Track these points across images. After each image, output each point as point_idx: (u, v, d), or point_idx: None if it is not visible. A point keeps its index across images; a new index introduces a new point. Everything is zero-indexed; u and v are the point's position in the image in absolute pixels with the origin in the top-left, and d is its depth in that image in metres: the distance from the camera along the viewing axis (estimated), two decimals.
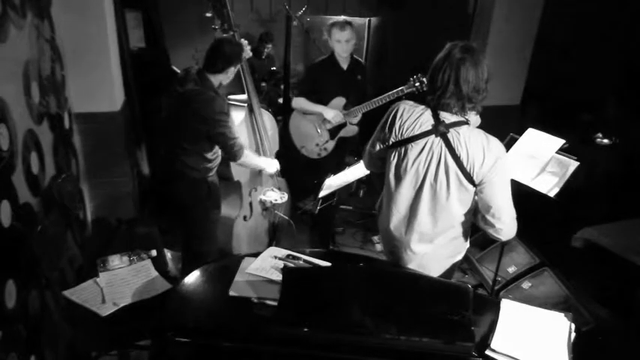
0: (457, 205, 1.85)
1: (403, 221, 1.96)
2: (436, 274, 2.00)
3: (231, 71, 2.55)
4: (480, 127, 1.93)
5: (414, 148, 1.82)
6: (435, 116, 1.79)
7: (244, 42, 2.70)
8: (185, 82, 2.49)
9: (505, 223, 1.83)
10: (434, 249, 1.96)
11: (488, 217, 1.83)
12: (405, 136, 1.83)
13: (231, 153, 2.56)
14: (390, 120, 1.90)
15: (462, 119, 1.79)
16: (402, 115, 1.86)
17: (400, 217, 1.96)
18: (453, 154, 1.75)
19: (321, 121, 3.45)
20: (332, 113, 3.40)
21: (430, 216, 1.88)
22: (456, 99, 1.74)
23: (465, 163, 1.74)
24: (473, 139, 1.74)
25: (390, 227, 2.00)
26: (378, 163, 2.08)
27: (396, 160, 1.89)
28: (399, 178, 1.90)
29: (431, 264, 1.99)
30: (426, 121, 1.80)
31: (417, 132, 1.80)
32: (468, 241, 2.09)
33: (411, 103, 1.90)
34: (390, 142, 1.90)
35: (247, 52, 2.69)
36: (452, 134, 1.75)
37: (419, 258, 1.98)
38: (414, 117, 1.83)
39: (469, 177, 1.76)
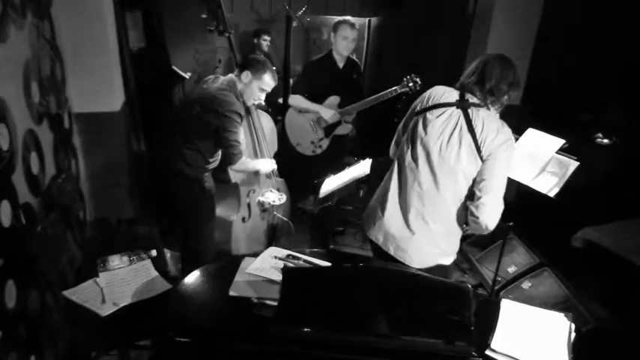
0: (461, 177, 1.93)
1: (406, 196, 2.04)
2: (419, 266, 2.05)
3: (250, 79, 2.58)
4: None
5: (434, 113, 1.98)
6: (462, 95, 1.97)
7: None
8: (214, 82, 2.61)
9: (490, 200, 1.88)
10: (424, 232, 2.01)
11: (477, 191, 1.91)
12: (430, 104, 2.01)
13: (229, 155, 2.58)
14: (423, 97, 2.08)
15: (483, 104, 1.94)
16: (434, 91, 2.06)
17: (403, 191, 2.05)
18: (469, 126, 1.90)
19: (316, 118, 3.51)
20: (329, 113, 3.46)
21: (433, 185, 1.97)
22: (479, 89, 1.93)
23: (477, 135, 1.88)
24: (490, 119, 1.90)
25: (387, 203, 2.08)
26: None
27: (413, 124, 2.05)
28: (413, 142, 2.03)
29: (417, 252, 2.03)
30: (452, 96, 1.99)
31: (442, 101, 1.98)
32: (456, 251, 2.13)
33: (445, 86, 2.07)
34: (416, 110, 2.07)
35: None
36: (472, 110, 1.92)
37: (407, 241, 2.03)
38: (442, 92, 2.03)
39: (479, 148, 1.88)
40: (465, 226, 2.05)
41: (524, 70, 3.93)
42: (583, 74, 4.11)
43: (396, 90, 3.24)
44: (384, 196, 2.13)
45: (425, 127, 1.99)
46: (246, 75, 2.57)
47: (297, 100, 3.51)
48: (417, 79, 3.22)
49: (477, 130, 1.89)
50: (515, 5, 3.69)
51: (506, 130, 1.91)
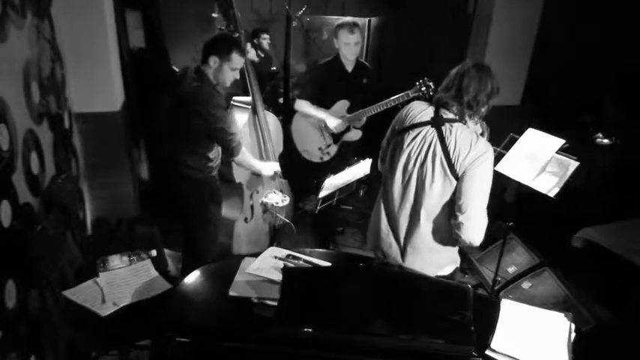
0: (438, 197, 1.91)
1: (394, 213, 2.04)
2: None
3: (219, 64, 2.45)
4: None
5: (410, 135, 1.95)
6: (436, 112, 1.94)
7: (249, 49, 2.69)
8: (183, 80, 2.49)
9: (469, 219, 1.85)
10: (415, 249, 2.01)
11: (456, 211, 1.87)
12: (407, 124, 1.98)
13: (229, 149, 2.55)
14: (401, 114, 2.06)
15: (459, 119, 1.90)
16: (411, 109, 2.03)
17: (390, 212, 2.05)
18: (442, 144, 1.87)
19: (324, 124, 3.37)
20: (335, 122, 3.32)
21: (415, 206, 1.97)
22: (457, 104, 1.88)
23: (451, 153, 1.85)
24: (463, 135, 1.86)
25: (381, 224, 2.09)
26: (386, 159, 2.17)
27: (393, 145, 2.04)
28: (393, 163, 2.02)
29: (413, 267, 2.03)
30: (428, 114, 1.95)
31: (417, 121, 1.95)
32: (454, 262, 2.12)
33: (422, 102, 2.05)
34: (396, 130, 2.05)
35: (252, 55, 2.66)
36: (446, 127, 1.89)
37: (402, 257, 2.04)
38: (419, 110, 1.99)
39: (452, 167, 1.85)
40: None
41: (525, 70, 3.94)
42: (583, 74, 4.11)
43: (408, 94, 3.10)
44: (377, 215, 2.13)
45: (403, 150, 1.96)
46: (214, 61, 2.45)
47: (303, 105, 3.33)
48: (430, 83, 3.06)
49: (450, 148, 1.85)
50: (515, 5, 3.69)
51: (480, 144, 1.85)
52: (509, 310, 1.64)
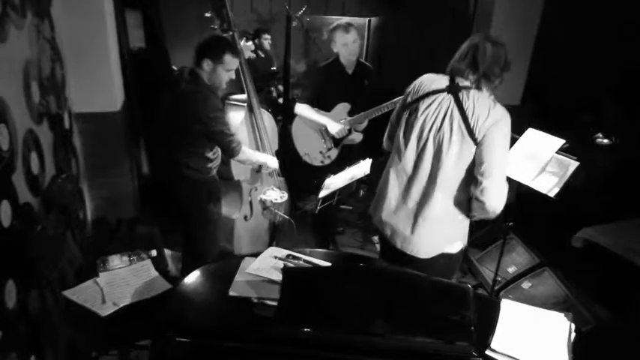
0: (456, 162, 1.91)
1: (405, 186, 2.04)
2: (426, 255, 2.05)
3: (212, 66, 2.42)
4: None
5: (425, 102, 1.97)
6: (452, 80, 1.96)
7: (243, 43, 2.69)
8: (180, 82, 2.48)
9: (493, 183, 1.85)
10: (425, 222, 2.00)
11: (479, 176, 1.88)
12: (420, 93, 1.99)
13: (229, 150, 2.54)
14: (414, 86, 2.07)
15: (474, 87, 1.93)
16: (423, 80, 2.05)
17: (403, 182, 2.05)
18: (460, 109, 1.89)
19: (324, 128, 3.35)
20: (337, 128, 3.30)
21: (431, 173, 1.96)
22: (473, 73, 1.90)
23: (469, 118, 1.86)
24: (481, 100, 1.88)
25: (390, 196, 2.08)
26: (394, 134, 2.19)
27: (407, 116, 2.04)
28: (407, 133, 2.02)
29: (421, 241, 2.03)
30: (443, 82, 1.97)
31: (431, 89, 1.97)
32: (463, 238, 2.11)
33: (434, 74, 2.05)
34: (407, 101, 2.06)
35: (248, 51, 2.65)
36: (462, 93, 1.90)
37: (410, 232, 2.03)
38: (432, 79, 2.01)
39: (471, 131, 1.86)
40: (470, 212, 2.03)
41: (525, 70, 3.93)
42: (583, 74, 4.11)
43: None
44: (384, 189, 2.12)
45: (417, 117, 1.97)
46: (207, 63, 2.41)
47: (303, 109, 3.30)
48: None
49: (469, 113, 1.87)
50: (515, 5, 3.69)
51: (499, 108, 1.88)
52: (509, 310, 1.64)
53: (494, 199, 1.87)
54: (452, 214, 2.01)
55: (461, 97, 1.89)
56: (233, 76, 2.56)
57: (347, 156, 3.50)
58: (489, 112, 1.85)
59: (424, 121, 1.95)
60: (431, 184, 1.97)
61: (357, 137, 3.49)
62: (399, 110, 2.15)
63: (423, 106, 1.96)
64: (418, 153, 1.99)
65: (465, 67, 1.91)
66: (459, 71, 1.93)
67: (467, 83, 1.92)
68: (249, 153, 2.68)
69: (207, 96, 2.43)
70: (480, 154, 1.87)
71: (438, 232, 2.03)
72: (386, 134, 2.27)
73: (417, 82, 2.06)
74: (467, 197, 1.99)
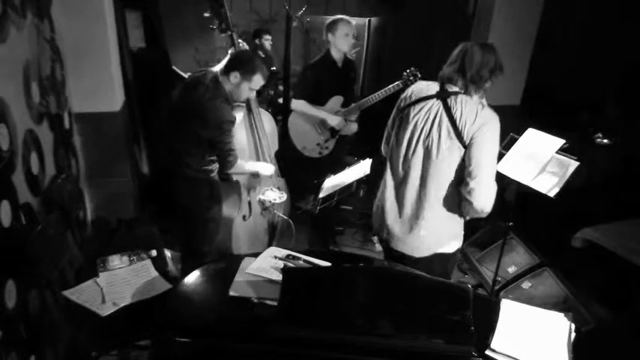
0: (446, 165, 1.97)
1: (399, 190, 2.10)
2: (422, 255, 2.10)
3: (239, 81, 2.44)
4: None
5: (415, 108, 2.04)
6: (441, 86, 2.03)
7: (243, 44, 2.71)
8: (199, 86, 2.45)
9: (480, 184, 1.91)
10: (420, 223, 2.06)
11: (467, 177, 1.93)
12: (413, 99, 2.07)
13: (224, 162, 2.56)
14: (407, 93, 2.14)
15: (463, 92, 1.98)
16: (416, 86, 2.14)
17: (397, 185, 2.11)
18: (448, 113, 1.94)
19: (319, 120, 3.48)
20: (336, 120, 3.45)
21: (422, 176, 2.02)
22: (461, 78, 1.96)
23: (457, 122, 1.91)
24: (469, 104, 1.93)
25: (387, 201, 2.14)
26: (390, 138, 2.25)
27: (399, 121, 2.11)
28: (399, 138, 2.09)
29: (416, 242, 2.08)
30: (433, 89, 2.04)
31: (422, 95, 2.04)
32: (457, 238, 2.15)
33: (427, 81, 2.14)
34: (401, 107, 2.13)
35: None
36: (451, 99, 1.96)
37: (406, 233, 2.09)
38: (423, 86, 2.10)
39: (459, 135, 1.91)
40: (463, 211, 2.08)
41: (524, 70, 3.93)
42: (583, 74, 4.11)
43: (398, 85, 3.27)
44: (382, 194, 2.20)
45: (408, 123, 2.04)
46: (235, 76, 2.43)
47: (300, 105, 3.45)
48: (417, 73, 3.24)
49: (457, 117, 1.92)
50: (515, 5, 3.69)
51: (487, 112, 1.92)
52: (509, 310, 1.64)
53: (482, 199, 1.93)
54: (445, 214, 2.06)
55: (449, 102, 1.95)
56: (253, 95, 2.60)
57: (343, 146, 3.71)
58: (477, 116, 1.90)
59: (414, 127, 2.02)
60: (423, 187, 2.03)
61: (353, 127, 3.64)
62: (394, 116, 2.21)
63: (413, 112, 2.04)
64: (409, 157, 2.05)
65: (454, 72, 1.96)
66: (448, 77, 1.99)
67: (456, 89, 1.98)
68: (241, 167, 2.67)
69: (223, 106, 2.44)
70: (469, 156, 1.92)
71: (433, 233, 2.08)
72: (383, 139, 2.32)
73: (409, 90, 2.14)
74: (459, 198, 2.03)
